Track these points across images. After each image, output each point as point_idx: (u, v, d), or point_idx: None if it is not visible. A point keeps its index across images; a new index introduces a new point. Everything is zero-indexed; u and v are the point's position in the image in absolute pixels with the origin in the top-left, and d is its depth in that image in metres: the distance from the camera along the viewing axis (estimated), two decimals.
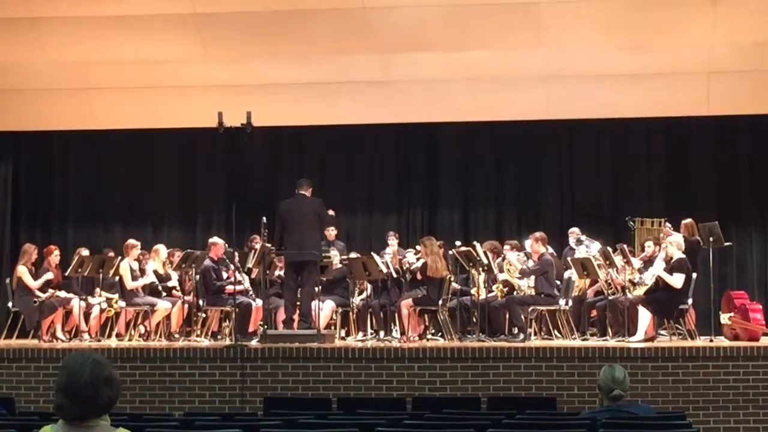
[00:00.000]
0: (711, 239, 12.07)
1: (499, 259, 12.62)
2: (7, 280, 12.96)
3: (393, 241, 13.47)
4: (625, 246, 12.48)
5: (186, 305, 12.48)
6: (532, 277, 12.01)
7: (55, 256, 12.73)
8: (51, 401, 3.46)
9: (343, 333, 12.57)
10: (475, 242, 12.43)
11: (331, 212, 12.25)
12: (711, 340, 11.15)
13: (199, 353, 10.21)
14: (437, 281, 12.02)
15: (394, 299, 12.39)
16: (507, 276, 12.40)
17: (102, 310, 12.25)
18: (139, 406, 9.81)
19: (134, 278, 12.38)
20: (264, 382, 9.94)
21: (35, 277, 12.40)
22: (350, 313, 12.72)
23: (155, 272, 12.73)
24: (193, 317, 12.49)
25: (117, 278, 12.46)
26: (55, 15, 13.36)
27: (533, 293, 11.98)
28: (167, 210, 15.65)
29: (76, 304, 12.31)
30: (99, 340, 12.04)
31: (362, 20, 13.19)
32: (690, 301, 11.72)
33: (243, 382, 9.94)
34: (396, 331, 12.43)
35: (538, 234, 12.30)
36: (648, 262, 12.08)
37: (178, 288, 12.81)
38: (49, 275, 12.46)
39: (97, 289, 12.43)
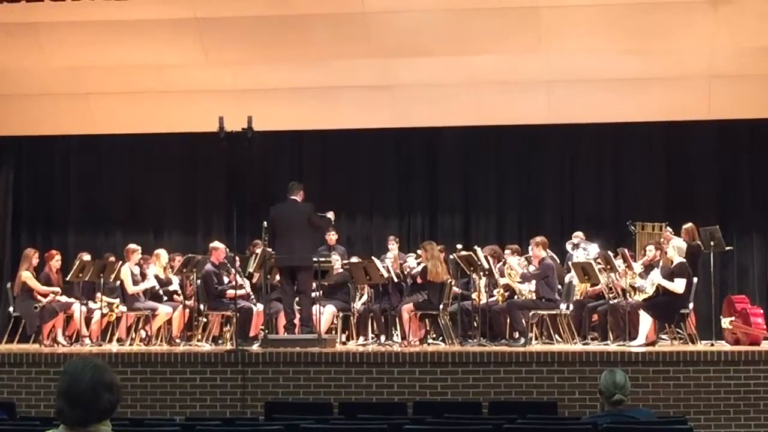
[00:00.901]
0: (712, 243, 12.06)
1: (500, 263, 12.62)
2: (8, 285, 12.97)
3: (394, 246, 13.46)
4: (626, 250, 12.49)
5: (187, 310, 12.49)
6: (533, 282, 12.01)
7: (56, 261, 12.74)
8: (52, 406, 3.47)
9: (344, 337, 12.55)
10: (475, 246, 12.43)
11: (330, 214, 12.11)
12: (712, 345, 11.14)
13: (200, 358, 10.21)
14: (438, 286, 12.01)
15: (395, 304, 12.38)
16: (508, 280, 12.40)
17: (103, 315, 12.25)
18: (140, 410, 9.81)
19: (135, 283, 12.39)
20: (265, 387, 9.94)
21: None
22: (351, 318, 12.72)
23: (156, 277, 12.74)
24: (194, 322, 12.50)
25: (118, 283, 12.47)
26: (56, 20, 13.38)
27: (534, 297, 11.97)
28: (168, 214, 15.65)
29: (77, 308, 12.31)
30: (100, 345, 12.03)
31: (363, 25, 13.21)
32: (691, 305, 11.71)
33: (244, 386, 9.94)
34: (397, 335, 12.42)
35: (539, 238, 12.30)
36: (649, 267, 12.07)
37: (179, 292, 12.81)
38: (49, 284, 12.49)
39: (98, 294, 12.43)
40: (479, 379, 9.85)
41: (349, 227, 15.12)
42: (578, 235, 13.40)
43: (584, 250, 12.98)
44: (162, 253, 13.13)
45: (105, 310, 12.27)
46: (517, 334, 11.80)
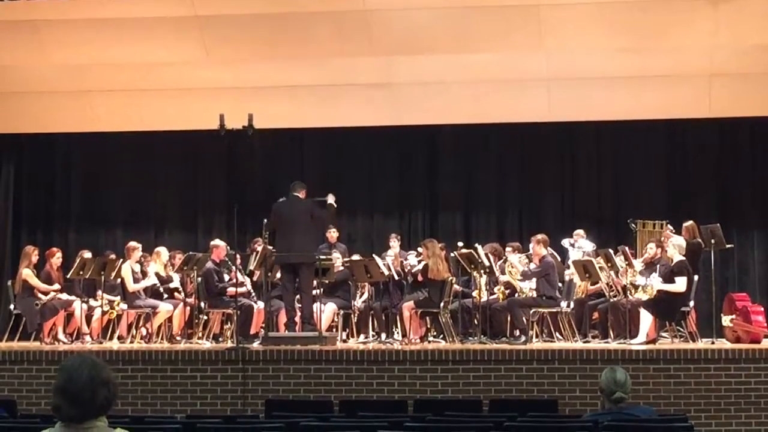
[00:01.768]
0: (712, 241, 12.06)
1: (501, 261, 12.62)
2: (9, 283, 12.98)
3: (394, 244, 13.46)
4: (626, 248, 12.49)
5: (188, 308, 12.50)
6: (534, 279, 12.01)
7: (56, 259, 12.74)
8: None
9: (344, 335, 12.56)
10: (476, 244, 12.43)
11: (330, 197, 11.81)
12: (713, 343, 11.14)
13: (200, 356, 10.21)
14: (439, 283, 12.02)
15: (395, 302, 12.39)
16: (508, 278, 12.40)
17: (104, 313, 12.26)
18: (140, 408, 9.81)
19: (136, 281, 12.40)
20: (265, 385, 9.93)
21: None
22: (352, 316, 12.72)
23: (157, 274, 12.75)
24: (194, 320, 12.51)
25: (118, 280, 12.48)
26: (57, 18, 13.38)
27: (535, 295, 11.97)
28: (169, 212, 15.64)
29: (78, 306, 12.32)
30: (101, 343, 12.04)
31: (363, 23, 13.20)
32: (691, 303, 11.71)
33: (244, 384, 9.94)
34: (397, 333, 12.42)
35: (539, 236, 12.30)
36: (650, 265, 12.07)
37: (180, 290, 12.81)
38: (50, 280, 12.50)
39: (99, 292, 12.43)
40: (480, 377, 9.84)
41: (349, 225, 15.11)
42: (579, 233, 13.41)
43: (579, 248, 12.98)
44: (163, 251, 13.14)
45: (106, 308, 12.27)
46: (517, 332, 11.81)
